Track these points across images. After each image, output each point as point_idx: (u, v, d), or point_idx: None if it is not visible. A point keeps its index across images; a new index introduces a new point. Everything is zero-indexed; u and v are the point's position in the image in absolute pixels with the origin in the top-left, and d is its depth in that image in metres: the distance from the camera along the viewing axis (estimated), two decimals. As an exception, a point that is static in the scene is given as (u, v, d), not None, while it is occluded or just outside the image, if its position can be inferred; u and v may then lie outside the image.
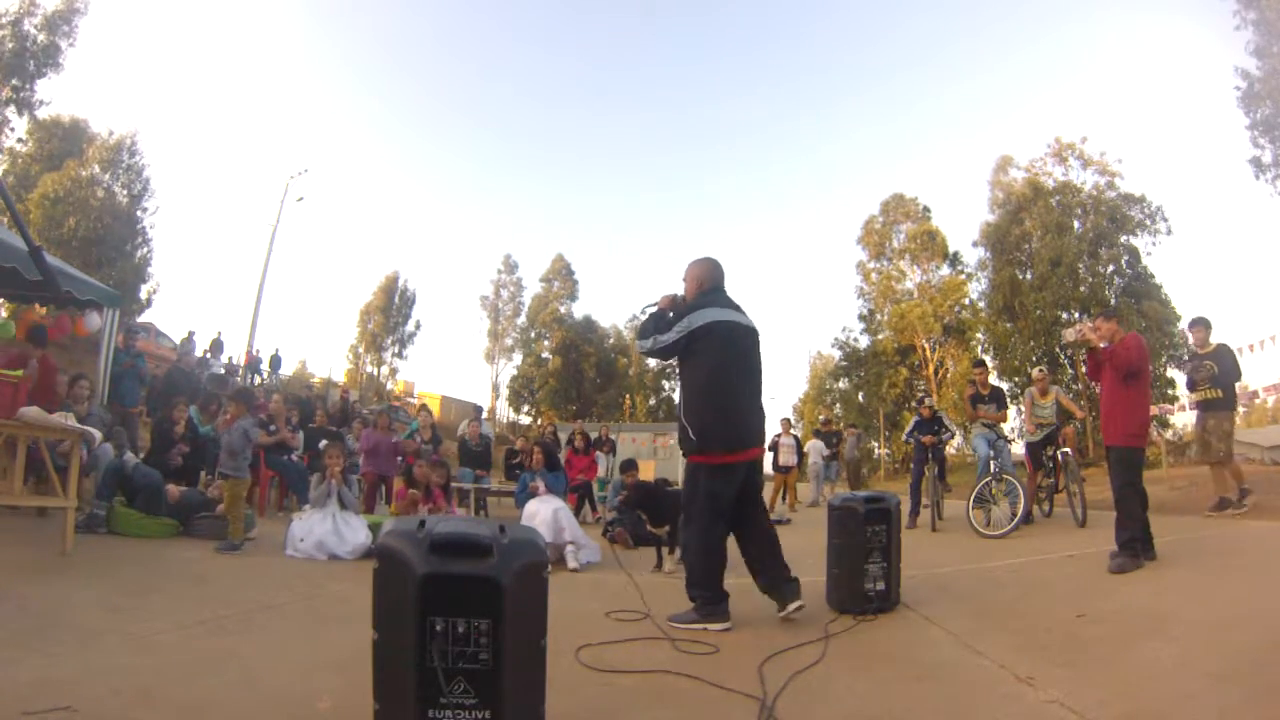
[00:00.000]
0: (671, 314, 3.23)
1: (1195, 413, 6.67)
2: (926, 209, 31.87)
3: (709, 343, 3.08)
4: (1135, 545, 3.83)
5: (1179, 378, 21.15)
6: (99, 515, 4.96)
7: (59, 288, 5.43)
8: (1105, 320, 4.35)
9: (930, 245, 30.58)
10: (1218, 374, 6.15)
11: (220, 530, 5.25)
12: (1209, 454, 6.27)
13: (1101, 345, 4.25)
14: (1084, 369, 4.66)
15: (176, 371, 10.01)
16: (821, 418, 21.62)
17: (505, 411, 37.19)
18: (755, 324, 3.30)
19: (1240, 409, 7.40)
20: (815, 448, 12.72)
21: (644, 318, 3.37)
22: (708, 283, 3.31)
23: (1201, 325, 6.41)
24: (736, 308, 3.27)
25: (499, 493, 8.72)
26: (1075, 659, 2.36)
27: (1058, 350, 22.11)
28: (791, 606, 2.99)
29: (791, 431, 12.43)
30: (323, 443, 6.66)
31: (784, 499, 13.08)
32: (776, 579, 3.09)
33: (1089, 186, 24.04)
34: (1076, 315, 21.48)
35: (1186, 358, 6.56)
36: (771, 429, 13.94)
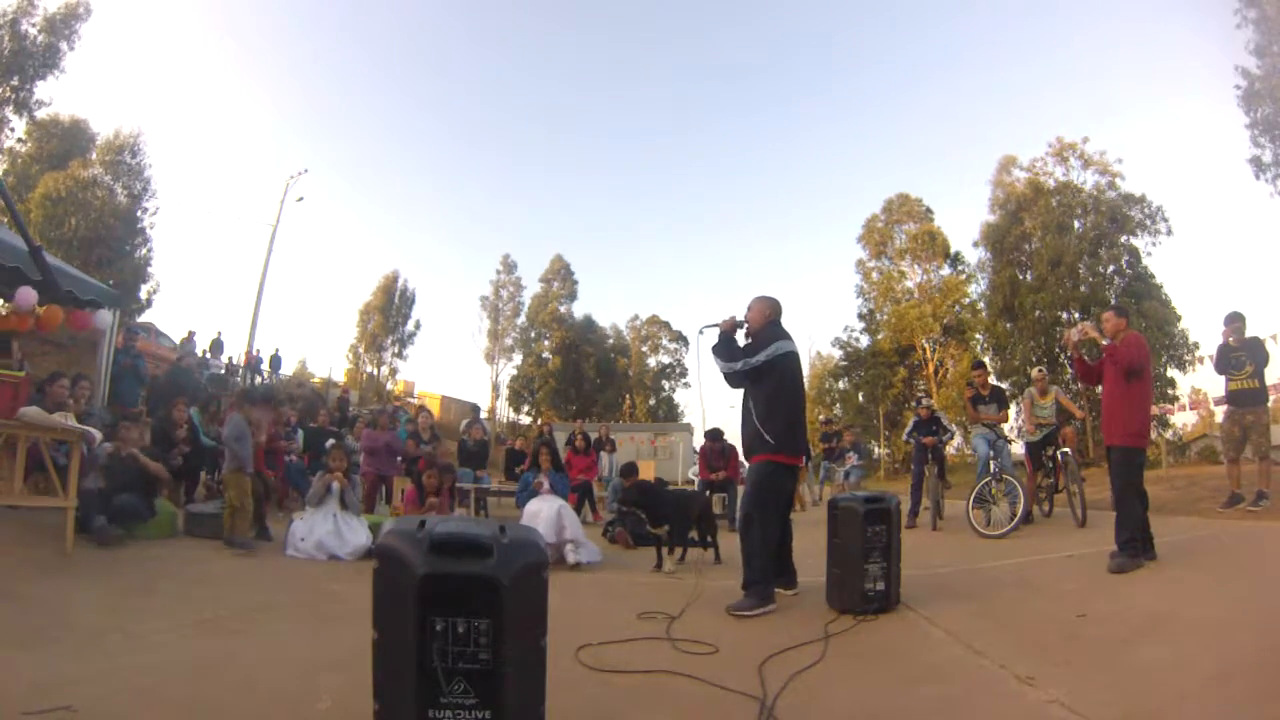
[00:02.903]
0: (748, 339, 3.82)
1: (1226, 407, 6.60)
2: (929, 209, 31.87)
3: (786, 368, 3.69)
4: (1135, 545, 3.82)
5: (1179, 378, 21.22)
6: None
7: (59, 288, 5.44)
8: (1117, 315, 4.34)
9: (931, 245, 30.55)
10: (1245, 362, 6.11)
11: (218, 531, 5.25)
12: (1238, 450, 6.18)
13: (1105, 342, 4.25)
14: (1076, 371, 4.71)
15: (177, 371, 10.00)
16: (822, 418, 21.59)
17: (505, 411, 37.20)
18: None
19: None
20: None
21: (707, 336, 3.92)
22: (774, 315, 3.86)
23: (1238, 319, 6.30)
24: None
25: (499, 493, 8.72)
26: (1075, 659, 2.36)
27: (1057, 350, 22.11)
28: (790, 591, 3.69)
29: None
30: (329, 442, 6.66)
31: None
32: (788, 568, 3.80)
33: (1089, 186, 24.06)
34: (1076, 315, 21.48)
35: (1215, 354, 6.51)
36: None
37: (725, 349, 3.82)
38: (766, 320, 3.86)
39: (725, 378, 3.85)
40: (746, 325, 3.88)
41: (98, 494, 4.63)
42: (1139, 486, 3.99)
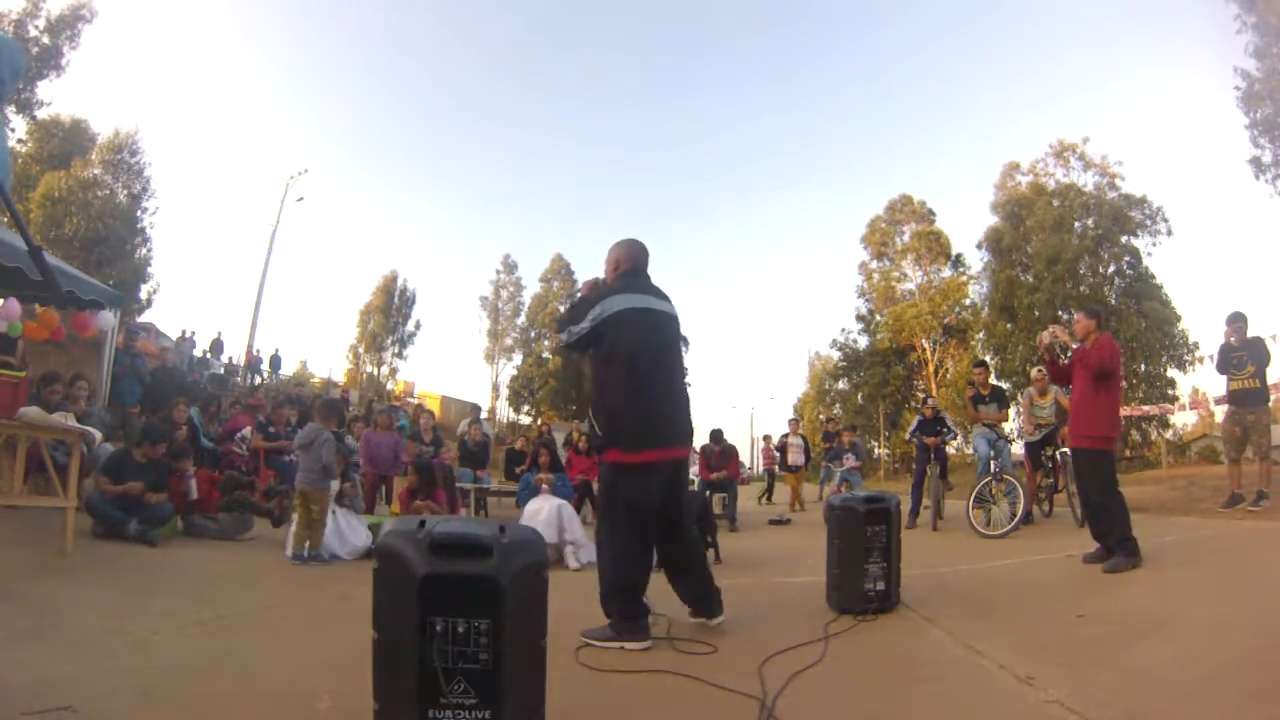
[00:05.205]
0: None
1: (1227, 407, 6.59)
2: (931, 211, 31.91)
3: (621, 332, 2.82)
4: (1130, 544, 3.81)
5: (1179, 378, 21.21)
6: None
7: (60, 288, 5.43)
8: (1086, 317, 4.35)
9: (934, 246, 30.58)
10: (1246, 362, 6.12)
11: (218, 532, 5.26)
12: (1239, 449, 6.19)
13: (1074, 345, 4.27)
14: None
15: (161, 371, 9.81)
16: (822, 417, 21.59)
17: (505, 411, 37.20)
18: (675, 310, 3.07)
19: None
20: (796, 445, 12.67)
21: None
22: (625, 264, 3.04)
23: (1239, 319, 6.32)
24: (657, 293, 3.01)
25: (499, 493, 8.72)
26: (1075, 659, 2.36)
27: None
28: (713, 622, 2.89)
29: (799, 432, 12.45)
30: None
31: (769, 498, 13.10)
32: (700, 593, 2.95)
33: (1090, 188, 24.07)
34: (1075, 316, 21.46)
35: (1216, 354, 6.52)
36: (780, 429, 13.91)
37: (565, 317, 3.00)
38: (615, 271, 3.04)
39: (571, 352, 3.12)
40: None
41: (122, 498, 4.63)
42: (1115, 486, 3.99)
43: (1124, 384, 4.62)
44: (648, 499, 2.79)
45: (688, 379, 3.17)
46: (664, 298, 3.04)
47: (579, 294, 3.13)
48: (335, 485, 5.04)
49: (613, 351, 2.83)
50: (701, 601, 2.93)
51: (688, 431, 3.01)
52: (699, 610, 2.91)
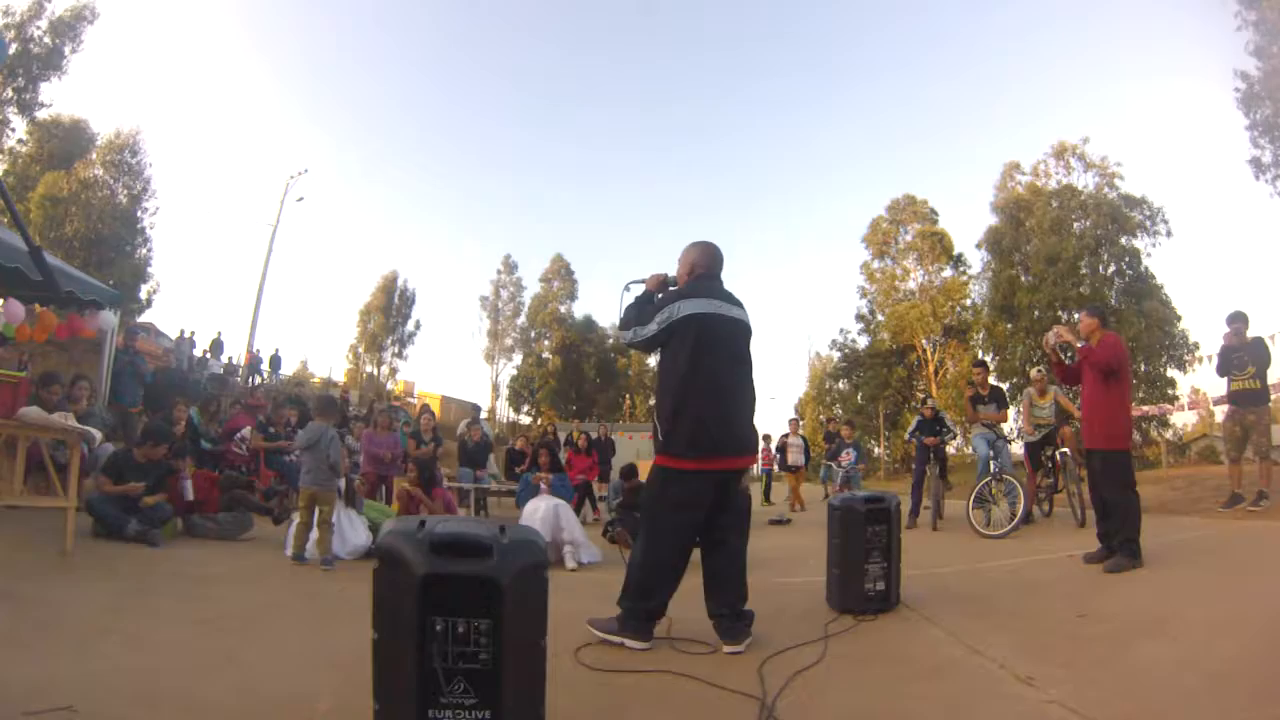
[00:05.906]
0: (659, 299, 2.95)
1: (1228, 407, 6.58)
2: (934, 211, 31.93)
3: (688, 336, 2.78)
4: (1133, 546, 3.82)
5: (1180, 378, 21.22)
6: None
7: (59, 288, 5.42)
8: (1088, 316, 4.36)
9: (937, 246, 30.60)
10: (1247, 362, 6.11)
11: (218, 532, 5.25)
12: (1240, 450, 6.18)
13: (1079, 344, 4.28)
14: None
15: (163, 372, 9.83)
16: (823, 418, 21.61)
17: (505, 411, 37.22)
18: (747, 318, 3.01)
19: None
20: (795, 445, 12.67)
21: (628, 298, 3.08)
22: (700, 268, 3.01)
23: (1240, 319, 6.30)
24: (729, 299, 2.96)
25: (499, 493, 8.72)
26: (1075, 659, 2.36)
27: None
28: (728, 649, 2.64)
29: (799, 432, 12.45)
30: None
31: (767, 498, 13.12)
32: (727, 612, 2.76)
33: (1090, 188, 24.10)
34: (1075, 316, 21.48)
35: (1218, 353, 6.51)
36: (780, 429, 13.94)
37: (630, 313, 2.98)
38: (690, 274, 3.01)
39: (637, 351, 3.09)
40: (676, 283, 3.07)
41: (122, 498, 4.62)
42: (1133, 486, 3.99)
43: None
44: (690, 506, 2.76)
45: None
46: (736, 303, 2.99)
47: (638, 283, 3.10)
48: (342, 483, 5.03)
49: (676, 356, 2.81)
50: (722, 619, 2.75)
51: (748, 441, 2.92)
52: (715, 628, 2.77)
